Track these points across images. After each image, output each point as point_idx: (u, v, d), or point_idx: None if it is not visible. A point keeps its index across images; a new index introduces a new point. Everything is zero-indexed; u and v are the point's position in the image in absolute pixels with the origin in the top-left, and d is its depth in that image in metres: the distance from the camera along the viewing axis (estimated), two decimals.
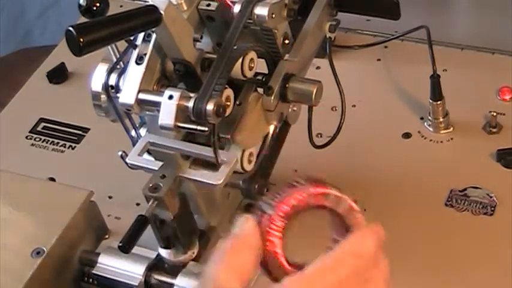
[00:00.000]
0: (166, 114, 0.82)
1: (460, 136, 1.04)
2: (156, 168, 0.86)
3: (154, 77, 0.85)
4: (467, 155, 1.02)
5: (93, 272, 0.91)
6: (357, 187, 1.00)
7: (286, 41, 0.91)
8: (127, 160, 0.87)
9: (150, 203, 0.84)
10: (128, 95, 0.83)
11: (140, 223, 0.82)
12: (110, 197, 1.04)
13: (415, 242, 0.93)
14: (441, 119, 1.04)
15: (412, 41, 1.15)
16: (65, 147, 1.13)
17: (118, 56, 0.86)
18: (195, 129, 0.82)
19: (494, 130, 1.03)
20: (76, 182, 0.99)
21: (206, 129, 0.81)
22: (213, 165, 0.84)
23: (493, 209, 0.95)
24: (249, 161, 0.89)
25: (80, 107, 1.08)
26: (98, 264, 0.91)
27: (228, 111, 0.84)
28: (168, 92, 0.82)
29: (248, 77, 0.87)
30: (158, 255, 0.89)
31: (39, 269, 0.87)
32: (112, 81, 0.85)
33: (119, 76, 0.85)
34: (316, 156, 1.00)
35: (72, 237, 0.92)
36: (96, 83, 0.87)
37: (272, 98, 0.88)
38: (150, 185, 0.84)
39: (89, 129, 1.15)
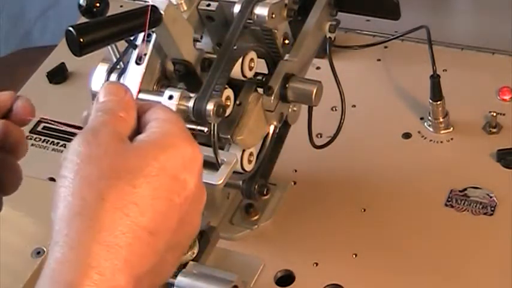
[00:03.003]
0: None
1: (460, 136, 1.04)
2: None
3: (154, 77, 0.85)
4: (467, 155, 1.02)
5: None
6: (356, 187, 1.01)
7: (286, 41, 0.91)
8: None
9: None
10: None
11: None
12: None
13: (415, 242, 0.93)
14: (441, 119, 1.04)
15: (412, 41, 1.15)
16: (65, 147, 1.13)
17: (118, 56, 0.86)
18: (195, 130, 0.82)
19: (494, 130, 1.03)
20: None
21: (206, 129, 0.81)
22: (213, 165, 0.84)
23: (493, 209, 0.95)
24: (249, 161, 0.89)
25: (80, 107, 1.08)
26: None
27: (228, 111, 0.84)
28: (168, 92, 0.82)
29: (248, 77, 0.87)
30: None
31: (39, 269, 0.87)
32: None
33: (119, 76, 0.85)
34: (316, 156, 1.00)
35: None
36: (96, 83, 0.87)
37: (272, 98, 0.88)
38: None
39: None
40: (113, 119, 0.58)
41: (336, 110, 1.07)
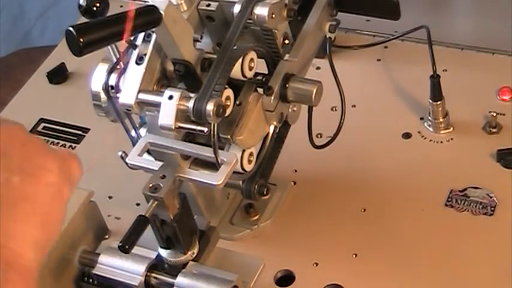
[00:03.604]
0: (167, 115, 0.82)
1: (460, 136, 1.04)
2: (156, 168, 0.86)
3: (154, 77, 0.85)
4: (467, 155, 1.02)
5: (93, 272, 0.91)
6: (357, 187, 1.01)
7: (286, 41, 0.91)
8: (127, 160, 0.87)
9: (150, 203, 0.84)
10: (128, 95, 0.83)
11: (140, 223, 0.83)
12: (110, 197, 1.04)
13: (415, 242, 0.93)
14: (441, 119, 1.04)
15: (412, 41, 1.15)
16: (65, 147, 1.13)
17: (118, 56, 0.86)
18: (195, 130, 0.82)
19: (494, 130, 1.03)
20: None
21: (206, 129, 0.81)
22: (213, 165, 0.85)
23: (493, 209, 0.95)
24: (249, 161, 0.89)
25: (80, 107, 1.08)
26: (98, 264, 0.91)
27: (228, 111, 0.84)
28: (168, 92, 0.82)
29: (248, 77, 0.87)
30: (158, 255, 0.89)
31: (39, 269, 0.87)
32: (112, 81, 0.85)
33: (119, 76, 0.85)
34: (316, 156, 1.00)
35: (72, 237, 0.92)
36: (96, 83, 0.87)
37: (272, 98, 0.88)
38: (150, 185, 0.84)
39: (89, 129, 1.15)
40: None
41: (336, 110, 1.07)
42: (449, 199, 0.97)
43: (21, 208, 0.58)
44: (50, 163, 0.61)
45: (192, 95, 0.82)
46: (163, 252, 0.89)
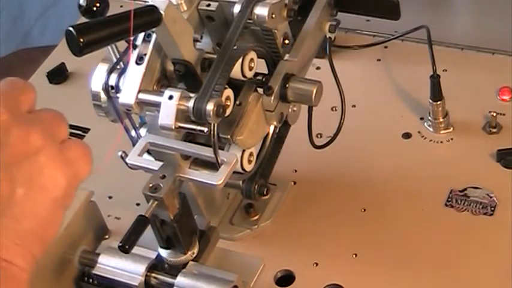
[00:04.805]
0: (167, 115, 0.82)
1: (460, 136, 1.04)
2: (156, 168, 0.86)
3: (154, 77, 0.85)
4: (467, 155, 1.02)
5: (93, 272, 0.91)
6: (357, 187, 1.01)
7: (286, 41, 0.91)
8: (127, 160, 0.87)
9: (150, 203, 0.84)
10: (128, 95, 0.83)
11: (140, 223, 0.83)
12: (110, 197, 1.04)
13: (414, 242, 0.93)
14: (441, 119, 1.04)
15: (412, 41, 1.15)
16: None
17: (118, 56, 0.86)
18: (195, 130, 0.82)
19: (494, 130, 1.03)
20: None
21: (206, 129, 0.81)
22: (213, 165, 0.85)
23: (493, 209, 0.95)
24: (249, 161, 0.89)
25: (80, 107, 1.08)
26: (98, 264, 0.91)
27: (228, 111, 0.84)
28: (168, 92, 0.82)
29: (248, 77, 0.87)
30: (158, 255, 0.89)
31: (39, 269, 0.87)
32: (112, 81, 0.85)
33: (119, 76, 0.85)
34: (316, 156, 1.00)
35: (72, 237, 0.92)
36: (96, 83, 0.87)
37: (272, 98, 0.88)
38: (150, 185, 0.84)
39: (89, 129, 1.14)
40: None
41: (336, 110, 1.07)
42: (449, 199, 0.97)
43: (23, 223, 0.56)
44: (60, 176, 0.59)
45: (192, 95, 0.82)
46: (163, 252, 0.89)
